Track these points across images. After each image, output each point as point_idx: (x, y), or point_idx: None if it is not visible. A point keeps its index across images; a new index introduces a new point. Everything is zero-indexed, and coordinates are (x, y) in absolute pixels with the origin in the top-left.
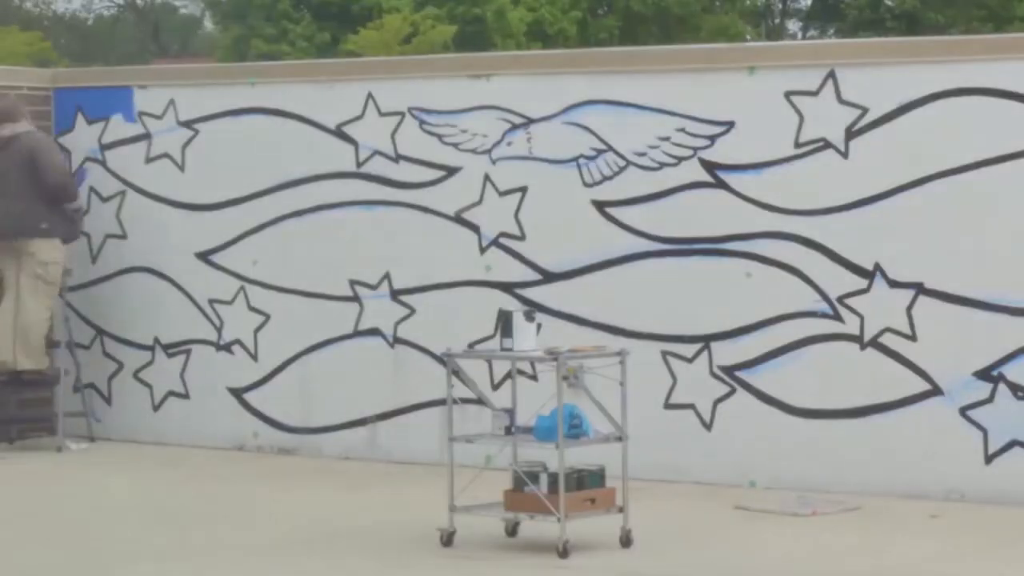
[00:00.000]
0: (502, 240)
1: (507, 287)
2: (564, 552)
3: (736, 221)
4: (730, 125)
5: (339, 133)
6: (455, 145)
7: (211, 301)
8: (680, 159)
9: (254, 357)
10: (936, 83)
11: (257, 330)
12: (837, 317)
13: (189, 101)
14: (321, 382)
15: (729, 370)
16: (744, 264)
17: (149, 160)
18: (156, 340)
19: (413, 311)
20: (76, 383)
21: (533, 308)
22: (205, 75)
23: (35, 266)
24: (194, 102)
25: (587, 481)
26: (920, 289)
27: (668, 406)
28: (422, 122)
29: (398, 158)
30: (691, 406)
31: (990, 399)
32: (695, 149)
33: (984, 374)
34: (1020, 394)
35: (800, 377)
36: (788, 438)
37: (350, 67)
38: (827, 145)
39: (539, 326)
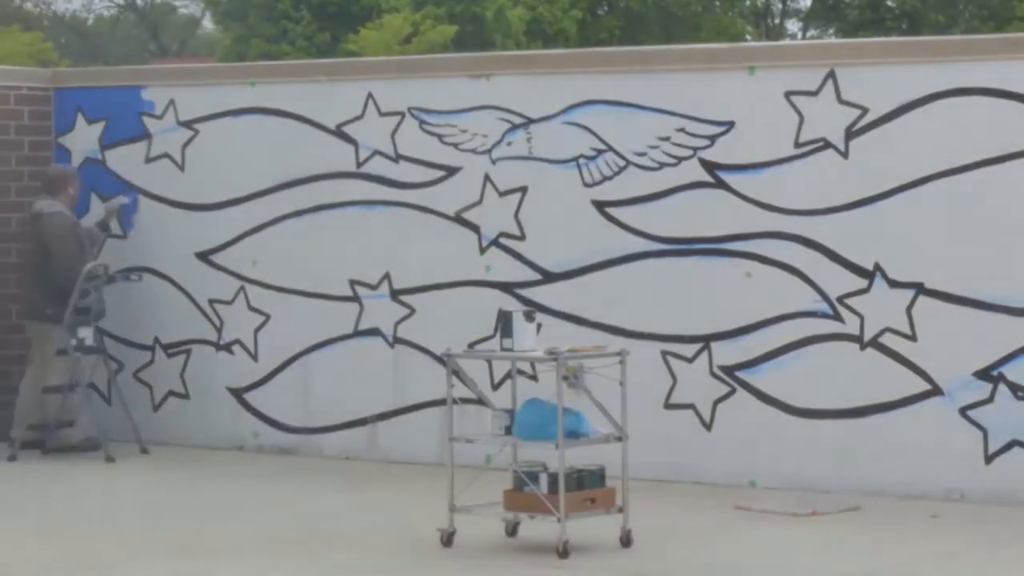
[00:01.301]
0: (502, 240)
1: (507, 287)
2: (564, 552)
3: (736, 221)
4: (730, 125)
5: (339, 133)
6: (455, 145)
7: (211, 301)
8: (680, 159)
9: (254, 357)
10: (936, 83)
11: (257, 330)
12: (837, 317)
13: (189, 101)
14: (321, 382)
15: (729, 370)
16: (744, 264)
17: (149, 160)
18: (156, 340)
19: (413, 311)
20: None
21: (533, 308)
22: (205, 75)
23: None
24: (194, 102)
25: (587, 481)
26: (920, 289)
27: (668, 406)
28: (422, 122)
29: (398, 158)
30: (691, 406)
31: (990, 399)
32: (695, 149)
33: (984, 374)
34: (1020, 394)
35: (800, 377)
36: (788, 438)
37: (350, 67)
38: (827, 145)
39: (539, 326)
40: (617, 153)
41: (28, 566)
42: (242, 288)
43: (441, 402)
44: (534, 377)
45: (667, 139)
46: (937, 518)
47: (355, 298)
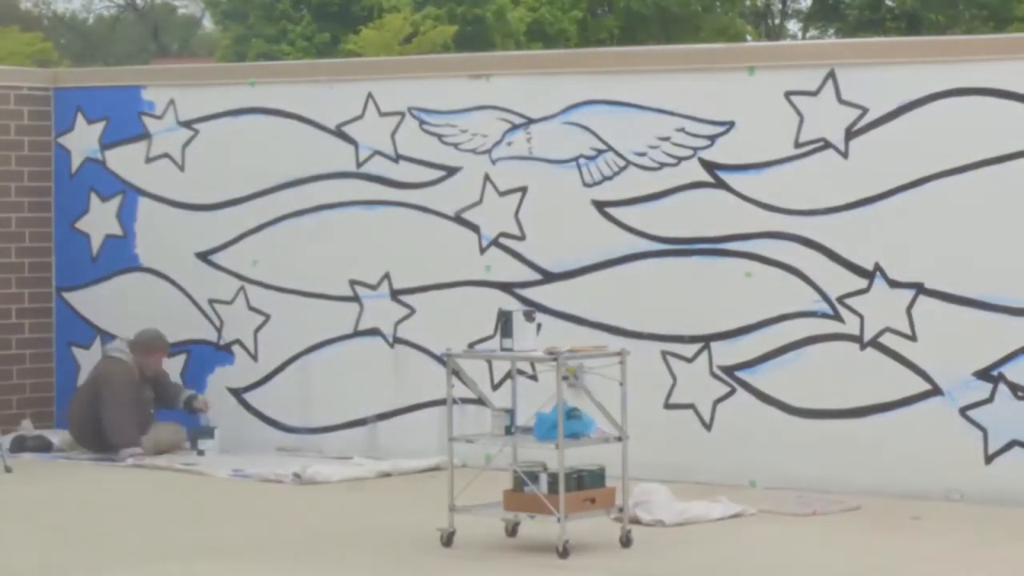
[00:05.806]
0: (502, 240)
1: (507, 287)
2: (564, 552)
3: (736, 221)
4: (730, 125)
5: (339, 133)
6: (455, 145)
7: (211, 301)
8: (680, 159)
9: (254, 357)
10: (936, 83)
11: (257, 330)
12: (837, 317)
13: (189, 101)
14: (321, 382)
15: (729, 370)
16: (744, 264)
17: (149, 160)
18: None
19: (413, 311)
20: None
21: (533, 308)
22: (205, 75)
23: None
24: (194, 102)
25: (587, 481)
26: (920, 289)
27: (668, 406)
28: (422, 122)
29: (398, 158)
30: (691, 406)
31: (990, 399)
32: (695, 149)
33: (984, 374)
34: (1020, 394)
35: (800, 377)
36: (788, 438)
37: (350, 67)
38: (827, 145)
39: (539, 326)
40: (617, 153)
41: (22, 568)
42: (242, 288)
43: (441, 402)
44: (534, 377)
45: (667, 139)
46: (937, 518)
47: (355, 298)
